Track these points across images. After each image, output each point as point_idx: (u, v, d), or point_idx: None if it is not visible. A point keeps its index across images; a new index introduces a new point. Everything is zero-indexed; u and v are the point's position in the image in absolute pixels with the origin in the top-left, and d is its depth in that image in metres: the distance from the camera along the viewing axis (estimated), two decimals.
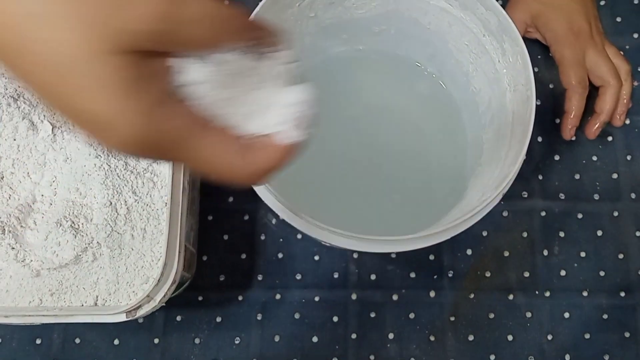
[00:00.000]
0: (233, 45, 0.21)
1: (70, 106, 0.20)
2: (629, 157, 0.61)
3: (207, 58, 0.20)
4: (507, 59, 0.46)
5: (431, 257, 0.58)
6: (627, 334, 0.56)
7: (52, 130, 0.45)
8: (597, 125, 0.57)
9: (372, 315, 0.56)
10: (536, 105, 0.43)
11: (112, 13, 0.18)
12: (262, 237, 0.58)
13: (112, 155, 0.45)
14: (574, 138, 0.60)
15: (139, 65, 0.19)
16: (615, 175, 0.60)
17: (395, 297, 0.57)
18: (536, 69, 0.63)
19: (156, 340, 0.55)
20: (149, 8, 0.18)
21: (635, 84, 0.62)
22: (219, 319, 0.56)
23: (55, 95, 0.19)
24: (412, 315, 0.56)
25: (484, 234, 0.59)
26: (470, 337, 0.56)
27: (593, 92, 0.58)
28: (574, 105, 0.56)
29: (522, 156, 0.42)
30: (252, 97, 0.21)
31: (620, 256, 0.58)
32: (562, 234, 0.59)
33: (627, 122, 0.62)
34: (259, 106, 0.21)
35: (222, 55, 0.21)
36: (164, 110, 0.20)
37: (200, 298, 0.57)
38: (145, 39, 0.19)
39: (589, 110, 0.57)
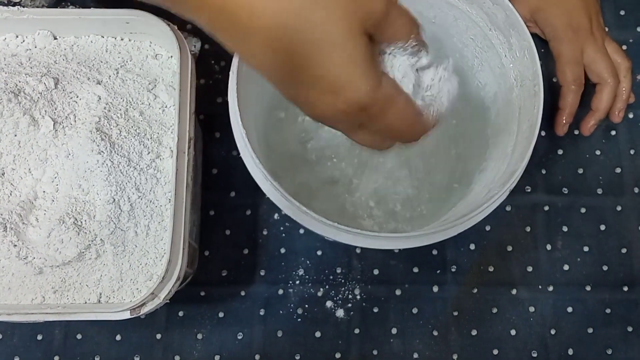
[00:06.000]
0: (410, 42, 0.29)
1: (313, 72, 0.26)
2: (632, 152, 0.61)
3: (396, 49, 0.29)
4: (514, 53, 0.46)
5: (434, 252, 0.58)
6: (630, 329, 0.56)
7: (54, 126, 0.45)
8: (592, 123, 0.57)
9: (375, 310, 0.56)
10: None
11: (362, 3, 0.26)
12: (265, 232, 0.58)
13: (115, 152, 0.44)
14: (576, 132, 0.60)
15: (371, 45, 0.27)
16: (618, 170, 0.60)
17: (398, 292, 0.57)
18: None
19: (158, 336, 0.55)
20: (381, 3, 0.27)
21: (639, 77, 0.62)
22: (221, 314, 0.56)
23: (301, 64, 0.26)
24: (415, 310, 0.56)
25: (487, 228, 0.58)
26: (474, 332, 0.56)
27: (591, 87, 0.57)
28: (569, 103, 0.56)
29: (529, 153, 0.41)
30: (420, 77, 0.30)
31: (624, 250, 0.58)
32: (565, 229, 0.58)
33: (630, 116, 0.61)
34: (424, 83, 0.30)
35: (402, 48, 0.29)
36: (383, 80, 0.28)
37: (202, 293, 0.56)
38: (375, 26, 0.27)
39: (586, 105, 0.57)
